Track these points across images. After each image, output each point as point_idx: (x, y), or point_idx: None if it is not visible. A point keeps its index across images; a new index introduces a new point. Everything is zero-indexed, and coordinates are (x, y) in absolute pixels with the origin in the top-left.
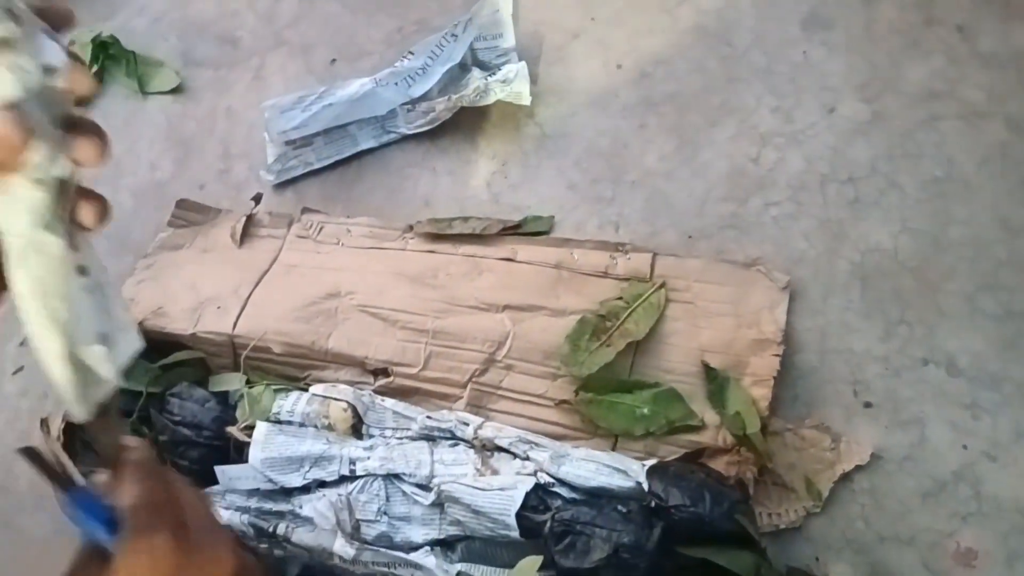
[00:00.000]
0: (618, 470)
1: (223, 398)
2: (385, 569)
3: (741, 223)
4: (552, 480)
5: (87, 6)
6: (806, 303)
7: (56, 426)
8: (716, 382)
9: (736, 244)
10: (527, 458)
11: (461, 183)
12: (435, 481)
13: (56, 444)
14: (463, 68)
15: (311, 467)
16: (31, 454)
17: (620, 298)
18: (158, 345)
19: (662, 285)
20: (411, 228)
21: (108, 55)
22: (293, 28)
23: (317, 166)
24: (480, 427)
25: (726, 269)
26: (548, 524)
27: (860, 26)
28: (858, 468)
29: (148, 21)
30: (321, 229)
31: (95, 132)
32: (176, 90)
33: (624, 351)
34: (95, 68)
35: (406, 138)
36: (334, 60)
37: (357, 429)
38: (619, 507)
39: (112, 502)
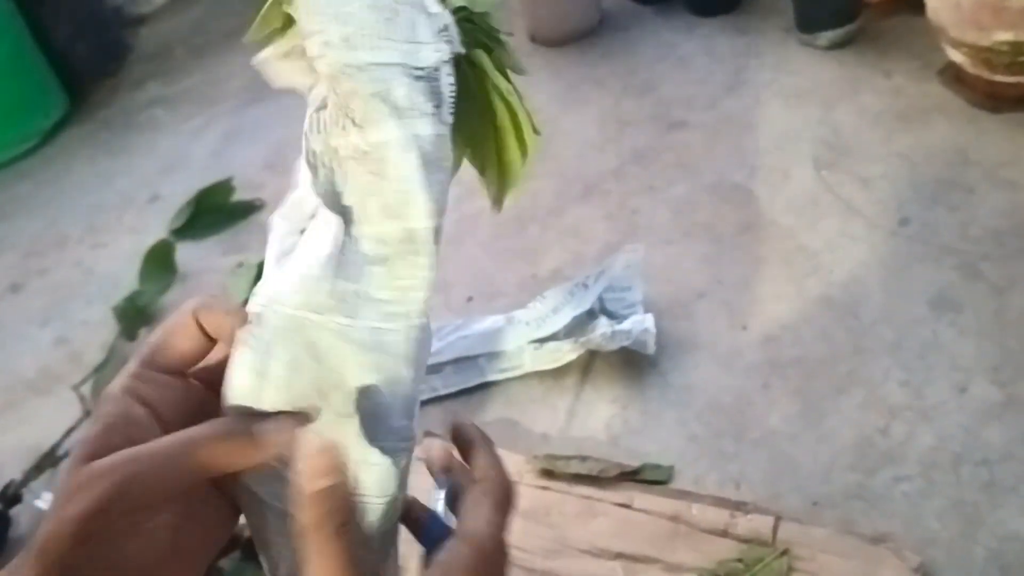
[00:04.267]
0: None
1: None
2: None
3: (869, 495)
4: None
5: None
6: None
7: None
8: None
9: (864, 516)
10: None
11: (580, 423)
12: None
13: None
14: (590, 315)
15: None
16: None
17: (739, 560)
18: None
19: (785, 552)
20: (527, 462)
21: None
22: (437, 267)
23: (443, 392)
24: None
25: (853, 542)
26: None
27: (990, 312)
28: None
29: None
30: None
31: None
32: None
33: None
34: None
35: (530, 374)
36: (470, 298)
37: None
38: None
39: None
